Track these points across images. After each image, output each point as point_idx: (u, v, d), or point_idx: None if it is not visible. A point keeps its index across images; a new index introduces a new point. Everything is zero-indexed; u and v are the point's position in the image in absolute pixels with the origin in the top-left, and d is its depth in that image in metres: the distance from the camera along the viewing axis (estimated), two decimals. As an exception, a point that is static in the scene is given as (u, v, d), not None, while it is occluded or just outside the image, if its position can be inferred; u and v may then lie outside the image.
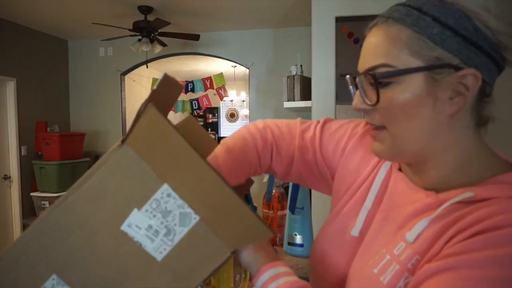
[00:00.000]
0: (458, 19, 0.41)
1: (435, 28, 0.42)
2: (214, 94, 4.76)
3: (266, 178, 1.20)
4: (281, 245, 1.21)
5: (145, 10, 3.58)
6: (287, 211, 1.16)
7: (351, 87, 0.51)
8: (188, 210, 0.45)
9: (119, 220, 0.46)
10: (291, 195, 1.13)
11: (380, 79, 0.44)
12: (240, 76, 7.35)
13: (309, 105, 2.89)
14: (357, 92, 0.48)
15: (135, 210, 0.45)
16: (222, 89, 4.64)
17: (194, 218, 0.45)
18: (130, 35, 3.78)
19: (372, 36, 0.47)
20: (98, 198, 0.46)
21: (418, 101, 0.43)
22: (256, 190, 4.41)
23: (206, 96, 4.78)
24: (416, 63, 0.43)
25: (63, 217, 0.47)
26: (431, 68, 0.42)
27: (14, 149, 4.05)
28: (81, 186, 0.46)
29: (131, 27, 3.67)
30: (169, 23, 3.55)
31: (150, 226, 0.45)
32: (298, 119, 0.70)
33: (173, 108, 4.80)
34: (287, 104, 3.05)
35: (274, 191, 1.23)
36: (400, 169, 0.55)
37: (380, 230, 0.52)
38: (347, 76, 0.53)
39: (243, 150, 0.64)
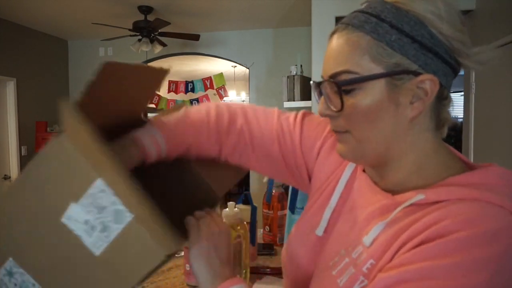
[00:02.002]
0: (414, 26, 0.43)
1: (393, 35, 0.43)
2: (214, 94, 4.75)
3: (266, 178, 1.20)
4: (281, 245, 1.21)
5: (145, 10, 3.58)
6: (287, 211, 1.16)
7: (314, 93, 0.52)
8: (121, 207, 0.43)
9: (58, 212, 0.45)
10: (291, 195, 1.13)
11: (343, 87, 0.45)
12: (240, 76, 7.35)
13: (309, 105, 2.89)
14: (322, 99, 0.49)
15: (72, 203, 0.44)
16: (222, 89, 4.64)
17: (128, 217, 0.43)
18: (130, 35, 3.78)
19: (334, 43, 0.47)
20: (37, 187, 0.46)
21: (380, 106, 0.44)
22: (256, 190, 4.42)
23: (206, 96, 4.78)
24: (377, 69, 0.43)
25: (7, 204, 0.47)
26: (392, 74, 0.43)
27: (14, 149, 4.05)
28: (21, 173, 0.46)
29: (131, 27, 3.66)
30: (169, 23, 3.55)
31: (87, 221, 0.44)
32: (275, 108, 0.70)
33: (173, 108, 4.81)
34: (287, 104, 3.05)
35: (274, 191, 1.23)
36: (364, 170, 0.56)
37: (342, 231, 0.53)
38: (311, 82, 0.54)
39: (195, 123, 0.64)
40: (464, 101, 2.96)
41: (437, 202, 0.42)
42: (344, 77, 0.45)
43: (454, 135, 5.95)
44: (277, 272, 1.01)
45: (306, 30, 3.99)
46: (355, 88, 0.45)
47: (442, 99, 0.47)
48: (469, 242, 0.37)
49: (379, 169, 0.51)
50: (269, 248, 1.19)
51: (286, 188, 1.21)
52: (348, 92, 0.45)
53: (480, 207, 0.39)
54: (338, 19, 2.92)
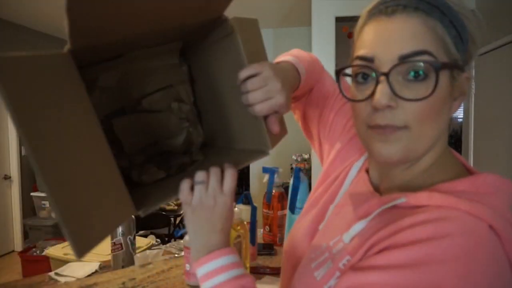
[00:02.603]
0: (462, 28, 0.43)
1: (452, 30, 0.42)
2: (214, 94, 4.75)
3: (266, 178, 1.20)
4: (281, 245, 1.21)
5: (145, 10, 3.58)
6: (287, 211, 1.16)
7: (359, 79, 0.46)
8: None
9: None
10: (291, 195, 1.13)
11: (428, 69, 0.41)
12: (240, 76, 7.34)
13: (309, 105, 2.89)
14: (383, 86, 0.42)
15: None
16: (222, 89, 4.63)
17: None
18: (130, 35, 3.78)
19: (402, 22, 0.42)
20: None
21: (444, 98, 0.43)
22: (256, 190, 4.42)
23: (206, 96, 4.78)
24: (446, 59, 0.42)
25: None
26: (459, 67, 0.43)
27: (14, 149, 4.05)
28: None
29: (131, 27, 3.67)
30: (169, 23, 3.55)
31: None
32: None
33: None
34: (287, 104, 3.05)
35: (274, 191, 1.23)
36: (367, 171, 0.57)
37: (328, 227, 0.55)
38: (339, 70, 0.49)
39: (320, 69, 0.71)
40: (464, 101, 2.96)
41: (418, 206, 0.42)
42: (425, 58, 0.41)
43: (454, 135, 5.95)
44: (277, 272, 1.01)
45: (306, 30, 3.99)
46: (428, 75, 0.41)
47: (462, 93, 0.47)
48: (433, 253, 0.36)
49: (391, 169, 0.49)
50: (269, 248, 1.19)
51: (286, 188, 1.21)
52: (422, 79, 0.41)
53: (455, 217, 0.38)
54: (338, 19, 2.92)
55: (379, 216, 0.45)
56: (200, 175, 0.51)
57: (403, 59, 0.41)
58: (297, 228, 0.63)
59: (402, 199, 0.43)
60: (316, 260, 0.49)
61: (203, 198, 0.51)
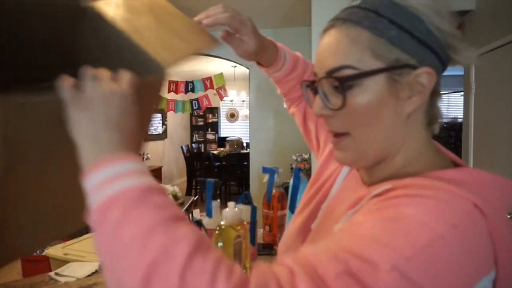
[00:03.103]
0: (412, 22, 0.43)
1: (392, 30, 0.43)
2: (214, 94, 4.76)
3: (266, 178, 1.20)
4: (281, 245, 1.22)
5: (145, 10, 3.58)
6: (287, 211, 1.16)
7: (306, 93, 0.52)
8: None
9: None
10: (291, 195, 1.13)
11: (343, 82, 0.44)
12: (240, 76, 7.35)
13: (309, 105, 2.89)
14: (317, 98, 0.47)
15: None
16: (222, 89, 4.64)
17: None
18: (130, 35, 3.78)
19: (331, 38, 0.46)
20: None
21: (380, 102, 0.44)
22: (256, 190, 4.42)
23: (206, 96, 4.78)
24: (377, 65, 0.43)
25: None
26: (392, 69, 0.43)
27: (14, 149, 4.04)
28: None
29: (131, 27, 3.66)
30: (169, 23, 3.55)
31: None
32: None
33: (173, 108, 4.81)
34: (287, 104, 3.05)
35: (274, 191, 1.23)
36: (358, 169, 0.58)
37: (322, 224, 0.55)
38: (302, 82, 0.53)
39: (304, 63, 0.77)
40: (464, 101, 2.96)
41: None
42: (345, 72, 0.44)
43: (454, 135, 5.95)
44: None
45: (306, 30, 3.99)
46: (354, 84, 0.44)
47: (435, 95, 0.47)
48: (417, 208, 0.37)
49: (371, 168, 0.51)
50: (269, 248, 1.19)
51: (286, 188, 1.21)
52: (348, 88, 0.44)
53: (438, 191, 0.39)
54: (338, 19, 2.92)
55: (367, 205, 0.45)
56: (88, 69, 0.41)
57: (328, 74, 0.45)
58: (290, 229, 0.64)
59: (388, 186, 0.43)
60: None
61: (95, 89, 0.39)
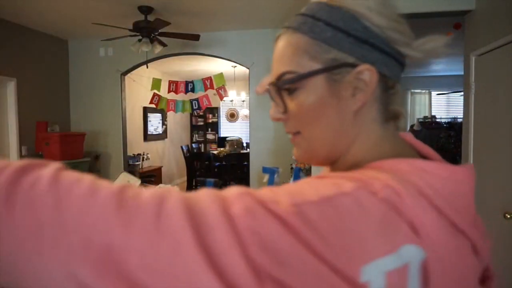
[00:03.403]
0: (347, 21, 0.44)
1: (328, 32, 0.44)
2: (214, 94, 4.76)
3: (266, 178, 1.20)
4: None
5: (145, 10, 3.58)
6: (287, 211, 1.16)
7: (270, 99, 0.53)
8: None
9: None
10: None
11: (284, 86, 0.47)
12: (240, 76, 7.35)
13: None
14: (273, 102, 0.51)
15: None
16: (222, 89, 4.64)
17: None
18: (130, 35, 3.78)
19: (277, 46, 0.49)
20: None
21: (323, 102, 0.46)
22: (256, 190, 4.42)
23: (206, 96, 4.79)
24: (315, 66, 0.45)
25: None
26: (329, 69, 0.45)
27: (15, 149, 4.05)
28: None
29: (131, 27, 3.67)
30: (169, 23, 3.55)
31: None
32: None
33: (173, 108, 4.81)
34: (287, 104, 3.05)
35: (274, 191, 1.23)
36: None
37: None
38: (262, 88, 0.55)
39: None
40: (464, 101, 2.96)
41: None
42: (286, 77, 0.47)
43: (454, 135, 5.96)
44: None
45: (306, 30, 3.99)
46: (297, 87, 0.46)
47: (388, 90, 0.47)
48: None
49: (331, 167, 0.52)
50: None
51: (286, 188, 1.21)
52: (292, 92, 0.47)
53: (354, 174, 0.40)
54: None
55: None
56: None
57: (274, 81, 0.49)
58: None
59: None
60: None
61: None
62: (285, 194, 0.36)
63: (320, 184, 0.38)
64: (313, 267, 0.32)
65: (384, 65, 0.45)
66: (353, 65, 0.44)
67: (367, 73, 0.44)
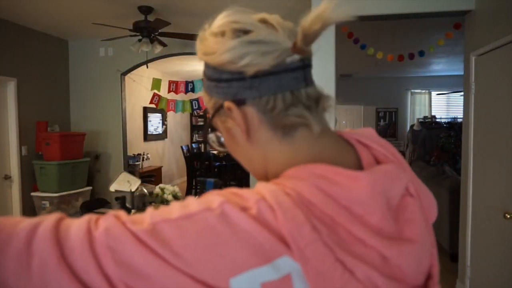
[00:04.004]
0: (205, 68, 0.49)
1: (205, 82, 0.51)
2: (214, 94, 4.75)
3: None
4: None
5: (145, 10, 3.58)
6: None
7: None
8: None
9: None
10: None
11: (206, 133, 0.56)
12: (240, 76, 7.34)
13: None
14: None
15: None
16: (222, 89, 4.63)
17: None
18: (130, 35, 3.78)
19: None
20: None
21: (226, 138, 0.53)
22: (256, 190, 4.41)
23: (206, 96, 4.78)
24: (211, 112, 0.52)
25: None
26: (214, 114, 0.50)
27: (15, 149, 4.05)
28: None
29: (131, 27, 3.67)
30: (169, 23, 3.55)
31: None
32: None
33: (173, 108, 4.81)
34: (287, 104, 3.05)
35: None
36: None
37: None
38: None
39: None
40: (464, 101, 2.96)
41: None
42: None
43: (454, 135, 5.95)
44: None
45: (306, 30, 3.99)
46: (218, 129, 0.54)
47: (265, 108, 0.46)
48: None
49: None
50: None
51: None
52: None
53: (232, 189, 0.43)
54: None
55: None
56: None
57: None
58: None
59: None
60: None
61: None
62: (153, 213, 0.40)
63: (195, 201, 0.40)
64: (176, 281, 0.36)
65: (248, 90, 0.45)
66: (222, 106, 0.48)
67: (230, 108, 0.47)
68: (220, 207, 0.38)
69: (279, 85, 0.45)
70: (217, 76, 0.47)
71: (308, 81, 0.46)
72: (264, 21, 0.49)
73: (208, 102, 0.52)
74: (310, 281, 0.37)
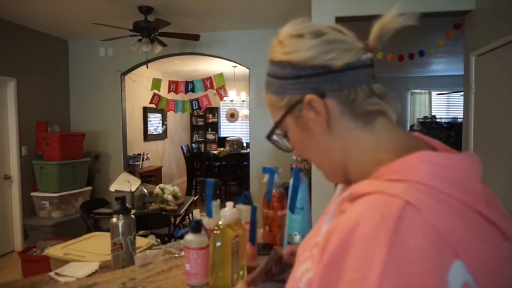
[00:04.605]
0: (280, 69, 0.52)
1: (275, 83, 0.54)
2: (214, 94, 4.76)
3: (266, 178, 1.20)
4: (281, 245, 1.21)
5: (145, 10, 3.58)
6: (287, 211, 1.16)
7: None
8: None
9: None
10: (291, 195, 1.13)
11: (273, 135, 0.57)
12: (240, 76, 7.35)
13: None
14: None
15: None
16: (222, 89, 4.64)
17: None
18: (130, 35, 3.78)
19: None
20: None
21: (300, 136, 0.55)
22: (256, 190, 4.41)
23: (206, 96, 4.78)
24: (280, 113, 0.54)
25: None
26: (288, 112, 0.53)
27: (15, 149, 4.05)
28: None
29: (131, 27, 3.67)
30: (169, 23, 3.55)
31: None
32: None
33: (173, 108, 4.81)
34: (287, 104, 3.05)
35: (274, 191, 1.23)
36: None
37: (312, 231, 0.57)
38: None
39: None
40: (464, 101, 2.96)
41: (358, 196, 0.44)
42: (272, 128, 0.57)
43: (454, 135, 5.96)
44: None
45: (306, 30, 3.99)
46: (285, 131, 0.56)
47: (346, 100, 0.50)
48: (348, 248, 0.38)
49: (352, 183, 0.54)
50: (269, 248, 1.19)
51: (286, 188, 1.21)
52: (285, 135, 0.57)
53: (373, 200, 0.41)
54: (338, 19, 2.92)
55: (339, 213, 0.47)
56: None
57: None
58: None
59: (347, 193, 0.46)
60: (299, 261, 0.52)
61: None
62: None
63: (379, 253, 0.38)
64: None
65: (328, 83, 0.50)
66: (301, 100, 0.51)
67: (312, 101, 0.50)
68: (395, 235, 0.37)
69: (357, 79, 0.50)
70: (295, 73, 0.51)
71: (375, 77, 0.52)
72: (332, 27, 0.53)
73: (277, 103, 0.54)
74: (473, 269, 0.37)
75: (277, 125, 0.55)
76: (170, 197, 3.31)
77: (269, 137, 0.57)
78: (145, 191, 3.21)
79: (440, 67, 7.09)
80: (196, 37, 3.91)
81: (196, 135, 9.45)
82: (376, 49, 0.51)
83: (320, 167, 0.56)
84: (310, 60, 0.50)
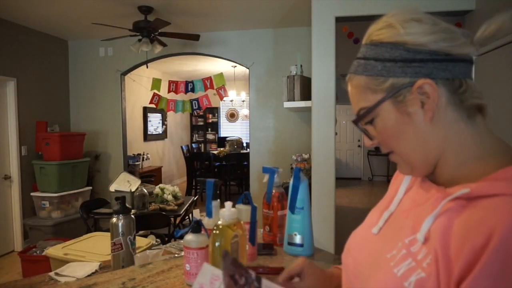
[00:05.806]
0: (390, 51, 0.51)
1: (378, 66, 0.52)
2: (214, 94, 4.76)
3: (266, 178, 1.20)
4: (281, 245, 1.21)
5: (145, 10, 3.58)
6: (287, 211, 1.16)
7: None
8: None
9: None
10: (291, 195, 1.13)
11: (362, 121, 0.56)
12: (240, 76, 7.35)
13: (309, 105, 2.89)
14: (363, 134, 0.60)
15: None
16: (222, 89, 4.64)
17: None
18: (130, 35, 3.78)
19: (349, 90, 0.59)
20: None
21: (397, 122, 0.53)
22: (256, 190, 4.41)
23: (206, 96, 4.78)
24: (378, 97, 0.53)
25: None
26: (390, 95, 0.52)
27: (14, 149, 4.05)
28: None
29: (131, 27, 3.67)
30: (169, 23, 3.55)
31: None
32: None
33: (173, 108, 4.80)
34: (287, 104, 3.05)
35: (274, 191, 1.23)
36: None
37: (400, 227, 0.56)
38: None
39: None
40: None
41: (482, 196, 0.44)
42: (361, 113, 0.56)
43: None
44: (277, 272, 1.01)
45: (306, 30, 3.99)
46: (374, 117, 0.54)
47: (457, 89, 0.51)
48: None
49: (434, 172, 0.55)
50: (269, 248, 1.19)
51: (286, 188, 1.21)
52: (372, 122, 0.55)
53: None
54: (338, 19, 2.91)
55: (449, 208, 0.47)
56: None
57: (356, 118, 0.58)
58: (353, 238, 0.66)
59: (466, 190, 0.46)
60: (394, 259, 0.52)
61: None
62: None
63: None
64: None
65: (442, 71, 0.50)
66: (411, 84, 0.50)
67: (425, 85, 0.50)
68: None
69: (466, 72, 0.51)
70: (409, 56, 0.50)
71: (472, 75, 0.52)
72: (441, 19, 0.54)
73: (376, 85, 0.53)
74: None
75: (374, 108, 0.53)
76: (170, 197, 3.31)
77: (357, 122, 0.56)
78: (145, 191, 3.21)
79: (440, 67, 7.09)
80: (196, 37, 3.91)
81: (196, 135, 9.45)
82: (477, 47, 0.52)
83: (409, 156, 0.54)
84: (429, 44, 0.50)
